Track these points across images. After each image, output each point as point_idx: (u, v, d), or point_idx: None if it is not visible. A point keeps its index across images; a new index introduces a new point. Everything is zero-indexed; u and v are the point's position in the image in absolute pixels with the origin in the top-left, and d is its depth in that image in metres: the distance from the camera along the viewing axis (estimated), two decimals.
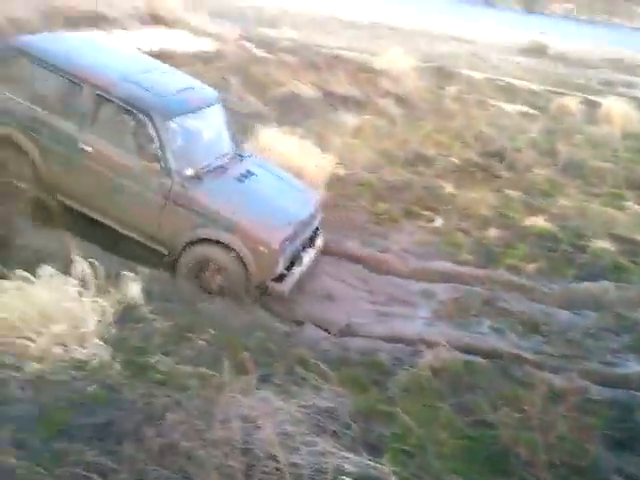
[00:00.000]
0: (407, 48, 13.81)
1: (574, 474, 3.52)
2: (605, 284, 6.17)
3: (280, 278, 5.27)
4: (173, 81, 5.81)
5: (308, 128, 8.67)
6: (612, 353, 5.21)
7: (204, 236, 5.14)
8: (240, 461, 2.88)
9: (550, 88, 14.31)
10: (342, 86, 10.78)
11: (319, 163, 7.40)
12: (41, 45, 5.62)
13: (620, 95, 13.81)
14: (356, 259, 6.27)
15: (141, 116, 5.12)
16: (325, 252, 6.33)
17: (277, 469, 2.90)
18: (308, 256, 5.70)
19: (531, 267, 6.50)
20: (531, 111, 12.41)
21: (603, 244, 7.05)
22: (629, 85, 16.64)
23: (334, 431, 3.14)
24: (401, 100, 10.87)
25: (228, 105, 9.66)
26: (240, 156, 5.87)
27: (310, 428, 3.17)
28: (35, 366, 3.74)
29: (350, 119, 9.62)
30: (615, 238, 7.28)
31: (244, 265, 5.09)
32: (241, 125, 8.80)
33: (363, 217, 7.13)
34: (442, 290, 5.92)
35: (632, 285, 6.31)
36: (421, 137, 9.58)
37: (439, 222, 7.22)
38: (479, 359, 4.71)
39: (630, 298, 5.99)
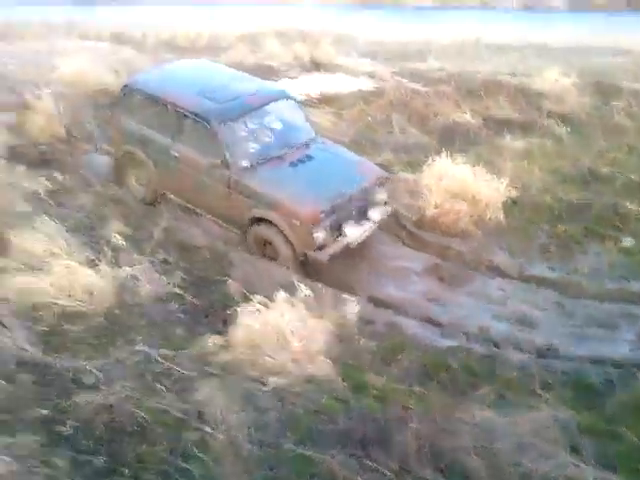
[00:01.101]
0: (562, 66, 13.46)
1: None
2: None
3: (321, 248, 5.94)
4: (243, 88, 6.81)
5: (475, 154, 8.80)
6: None
7: (255, 215, 6.09)
8: (485, 465, 3.12)
9: None
10: (503, 110, 10.75)
11: (492, 187, 7.51)
12: (145, 80, 7.16)
13: None
14: (546, 282, 6.27)
15: (204, 123, 6.28)
16: (512, 276, 6.43)
17: (523, 474, 3.10)
18: (357, 229, 6.23)
19: None
20: None
21: None
22: None
23: (570, 445, 3.27)
24: (566, 119, 10.58)
25: (392, 138, 10.21)
26: (306, 144, 6.68)
27: (545, 441, 3.33)
28: (276, 380, 4.28)
29: (516, 142, 9.57)
30: None
31: (286, 238, 5.89)
32: (408, 156, 9.24)
33: (544, 239, 7.09)
34: None
35: None
36: (593, 155, 9.28)
37: (629, 242, 6.96)
38: None
39: None
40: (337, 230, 6.14)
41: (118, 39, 15.42)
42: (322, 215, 5.92)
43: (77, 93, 9.47)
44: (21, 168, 6.81)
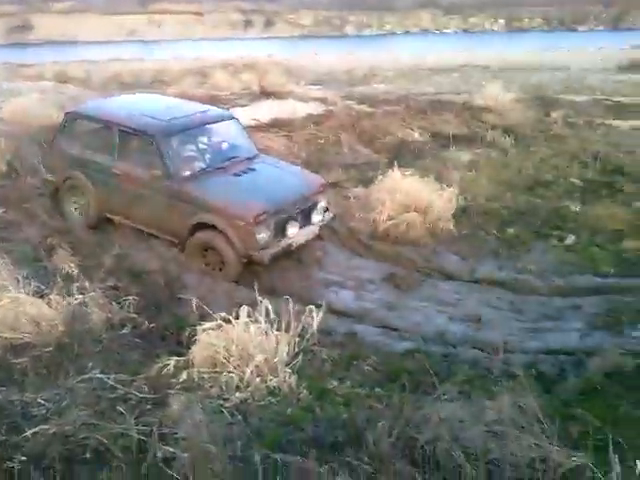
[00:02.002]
0: (503, 83, 14.00)
1: None
2: None
3: (264, 249, 6.09)
4: (185, 110, 7.13)
5: (424, 167, 9.01)
6: None
7: (197, 220, 6.19)
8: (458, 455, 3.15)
9: None
10: (449, 126, 11.09)
11: (443, 197, 7.69)
12: (89, 107, 7.55)
13: None
14: (497, 283, 6.41)
15: (147, 137, 6.45)
16: (464, 279, 6.56)
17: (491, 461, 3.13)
18: (300, 231, 6.44)
19: None
20: None
21: None
22: None
23: (536, 429, 3.33)
24: (509, 131, 11.00)
25: (341, 157, 10.35)
26: (249, 158, 6.97)
27: (513, 427, 3.37)
28: (239, 395, 4.21)
29: (463, 155, 9.90)
30: None
31: (229, 240, 5.99)
32: (359, 173, 9.37)
33: (494, 243, 7.29)
34: (591, 303, 5.93)
35: None
36: (537, 163, 9.65)
37: (571, 240, 7.24)
38: None
39: None
40: (281, 233, 6.28)
41: (62, 78, 15.35)
42: (264, 216, 6.05)
43: (22, 130, 9.35)
44: None
